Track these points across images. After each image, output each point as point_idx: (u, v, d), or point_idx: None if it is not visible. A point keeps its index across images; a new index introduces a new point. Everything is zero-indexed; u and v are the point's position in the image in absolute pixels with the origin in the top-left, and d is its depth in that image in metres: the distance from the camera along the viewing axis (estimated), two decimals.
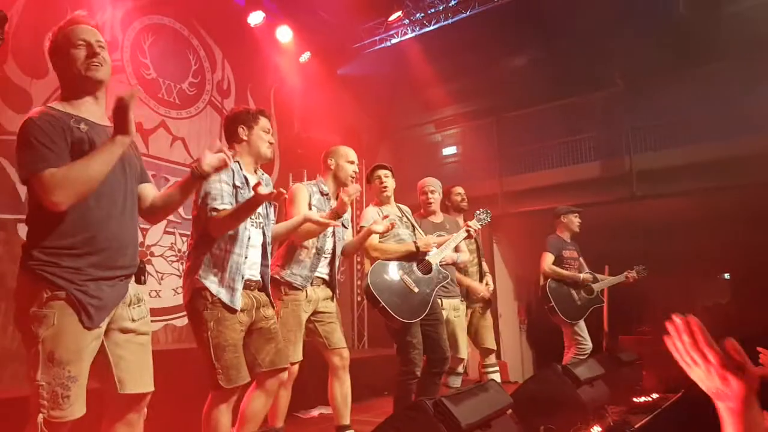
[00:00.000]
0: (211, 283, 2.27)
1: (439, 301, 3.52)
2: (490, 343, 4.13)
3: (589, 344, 4.53)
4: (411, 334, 3.13)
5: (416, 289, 3.19)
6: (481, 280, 4.13)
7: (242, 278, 2.33)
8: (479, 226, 3.59)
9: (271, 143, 2.57)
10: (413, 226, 3.49)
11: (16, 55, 4.44)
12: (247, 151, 2.52)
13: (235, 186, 2.38)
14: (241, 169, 2.45)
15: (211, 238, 2.31)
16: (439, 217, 3.92)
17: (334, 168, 3.11)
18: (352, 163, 3.13)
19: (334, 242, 3.08)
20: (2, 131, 4.36)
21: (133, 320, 1.80)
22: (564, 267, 4.64)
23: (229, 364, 2.22)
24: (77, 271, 1.65)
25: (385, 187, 3.46)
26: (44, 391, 1.59)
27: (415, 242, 3.27)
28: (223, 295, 2.26)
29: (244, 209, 2.24)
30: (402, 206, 3.57)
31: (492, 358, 4.16)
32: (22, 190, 4.39)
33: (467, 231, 3.50)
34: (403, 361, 3.15)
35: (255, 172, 2.56)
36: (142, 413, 1.85)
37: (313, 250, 2.96)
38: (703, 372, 0.93)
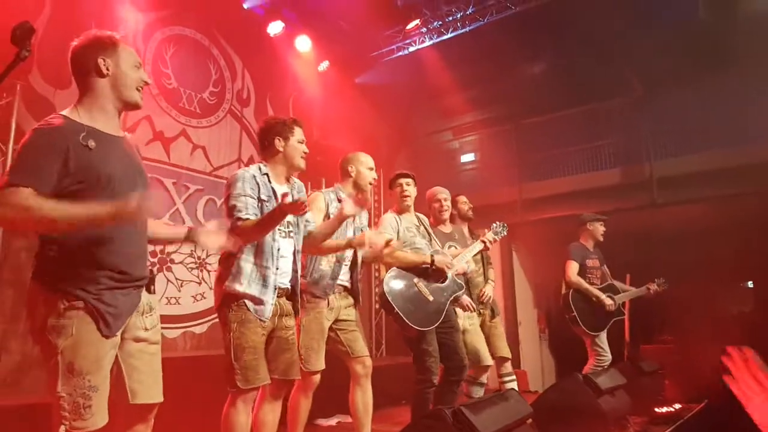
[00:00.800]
0: (237, 289, 2.32)
1: (454, 310, 3.51)
2: (504, 351, 4.06)
3: (608, 356, 4.46)
4: (426, 342, 3.11)
5: (431, 298, 3.18)
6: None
7: (274, 290, 2.38)
8: (496, 239, 3.57)
9: (305, 153, 2.58)
10: (430, 236, 3.47)
11: (40, 65, 4.55)
12: (282, 161, 2.54)
13: (260, 200, 2.41)
14: (269, 181, 2.48)
15: (242, 249, 2.34)
16: (448, 227, 3.93)
17: (354, 175, 3.13)
18: (371, 170, 3.16)
19: (354, 250, 3.09)
20: None
21: (146, 329, 1.82)
22: (587, 276, 4.58)
23: (248, 365, 2.26)
24: (92, 282, 1.65)
25: (407, 195, 3.45)
26: (65, 402, 1.59)
27: (432, 256, 3.24)
28: (249, 304, 2.32)
29: (268, 220, 2.28)
30: (420, 215, 3.56)
31: (508, 367, 4.10)
32: None
33: (483, 243, 3.48)
34: (419, 369, 3.12)
35: (288, 180, 2.59)
36: (149, 424, 1.85)
37: (333, 259, 2.98)
38: (760, 401, 0.92)
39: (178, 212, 5.46)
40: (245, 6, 6.30)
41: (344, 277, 3.05)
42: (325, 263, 2.96)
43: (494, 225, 3.62)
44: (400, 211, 3.47)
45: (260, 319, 2.34)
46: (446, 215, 3.88)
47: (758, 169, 6.21)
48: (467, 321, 3.79)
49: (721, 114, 6.74)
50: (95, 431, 1.62)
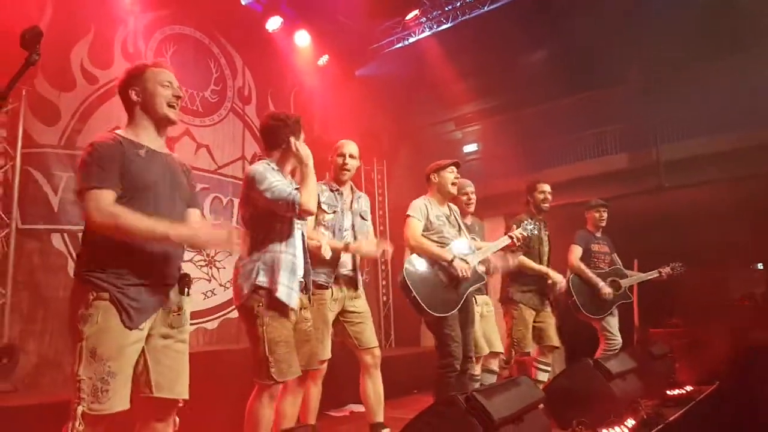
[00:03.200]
0: (270, 284, 2.36)
1: (473, 298, 3.53)
2: (555, 340, 4.06)
3: (618, 340, 4.44)
4: (450, 326, 3.12)
5: (450, 286, 3.19)
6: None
7: (297, 278, 2.44)
8: (524, 234, 3.55)
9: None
10: (459, 226, 3.47)
11: (43, 69, 4.57)
12: (295, 160, 2.54)
13: None
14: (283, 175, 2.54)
15: (268, 238, 2.40)
16: (469, 219, 3.95)
17: (332, 164, 3.20)
18: (341, 155, 3.16)
19: (355, 237, 3.11)
20: (33, 144, 4.50)
21: (172, 327, 1.92)
22: (592, 261, 4.56)
23: (282, 358, 2.31)
24: (119, 277, 1.80)
25: (454, 183, 3.43)
26: (85, 385, 1.71)
27: (454, 257, 3.21)
28: (282, 295, 2.35)
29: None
30: (452, 205, 3.55)
31: (549, 357, 4.10)
32: (56, 201, 4.52)
33: (510, 238, 3.49)
34: (442, 354, 3.13)
35: (293, 175, 2.65)
36: (170, 422, 1.92)
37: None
38: None
39: None
40: (243, 3, 6.29)
41: (347, 265, 3.07)
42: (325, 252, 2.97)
43: (525, 222, 3.63)
44: (439, 201, 3.43)
45: (291, 309, 2.39)
46: (472, 208, 3.92)
47: (765, 151, 6.17)
48: (484, 308, 3.83)
49: (727, 97, 6.71)
50: (110, 414, 1.72)
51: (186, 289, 1.98)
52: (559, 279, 4.12)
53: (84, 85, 4.89)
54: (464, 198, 3.87)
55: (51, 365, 4.19)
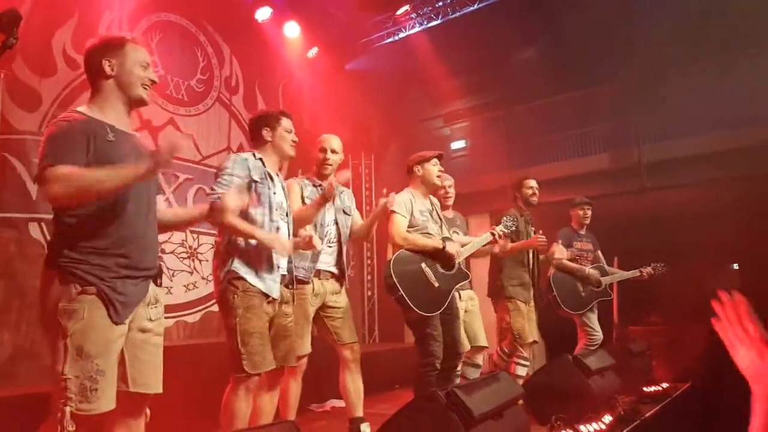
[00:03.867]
0: (247, 273, 2.35)
1: (457, 293, 3.53)
2: (535, 335, 4.10)
3: (598, 335, 4.51)
4: (431, 326, 3.09)
5: (437, 284, 3.16)
6: None
7: (278, 269, 2.44)
8: (505, 231, 3.56)
9: (294, 141, 2.65)
10: (441, 221, 3.44)
11: (24, 53, 4.47)
12: (272, 150, 2.60)
13: (254, 180, 2.45)
14: (263, 165, 2.53)
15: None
16: (451, 212, 3.95)
17: (315, 159, 3.20)
18: (323, 150, 3.16)
19: (338, 231, 3.10)
20: (12, 131, 4.41)
21: (151, 320, 1.87)
22: (575, 258, 4.61)
23: (255, 350, 2.28)
24: (105, 269, 1.72)
25: (439, 176, 3.41)
26: (72, 384, 1.62)
27: (443, 243, 3.20)
28: (262, 286, 2.36)
29: (255, 235, 2.33)
30: (433, 199, 3.51)
31: (528, 351, 4.11)
32: (33, 189, 4.44)
33: (492, 235, 3.48)
34: (422, 353, 3.10)
35: (280, 170, 2.66)
36: (143, 416, 1.88)
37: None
38: (744, 349, 0.93)
39: (167, 202, 5.43)
40: None
41: (329, 261, 3.06)
42: None
43: (504, 218, 3.63)
44: (422, 194, 3.41)
45: (268, 299, 2.38)
46: (451, 201, 3.92)
47: (744, 153, 6.29)
48: (469, 302, 3.84)
49: (708, 99, 6.80)
50: (100, 414, 1.66)
51: (159, 280, 1.92)
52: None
53: (66, 70, 4.80)
54: (441, 192, 3.84)
55: (27, 356, 4.13)
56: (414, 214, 3.26)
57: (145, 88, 1.89)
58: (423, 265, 3.17)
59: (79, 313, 1.66)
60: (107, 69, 1.83)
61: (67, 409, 1.61)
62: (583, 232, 4.76)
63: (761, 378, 0.92)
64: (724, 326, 0.96)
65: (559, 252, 4.50)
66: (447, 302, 3.16)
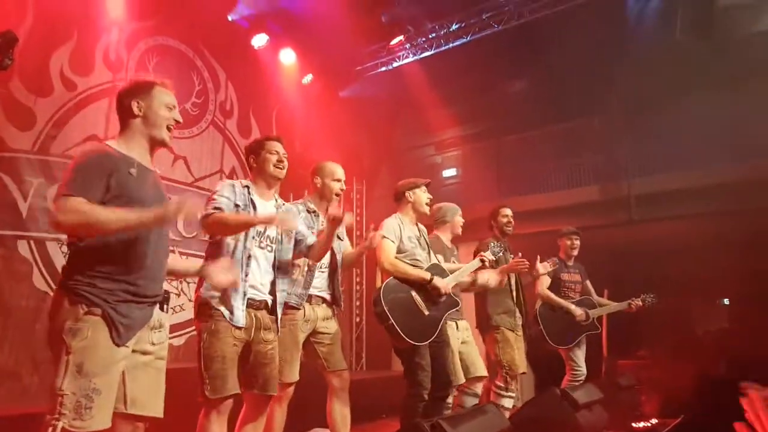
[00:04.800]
0: (212, 298, 2.37)
1: (454, 323, 3.52)
2: (524, 366, 4.02)
3: (582, 371, 4.46)
4: (420, 355, 3.06)
5: (427, 312, 3.14)
6: None
7: (243, 295, 2.40)
8: (492, 258, 3.56)
9: (279, 161, 2.64)
10: (429, 248, 3.44)
11: (21, 73, 4.50)
12: (259, 176, 2.64)
13: (236, 205, 2.47)
14: (249, 193, 2.55)
15: (213, 256, 2.42)
16: (450, 243, 3.95)
17: (320, 186, 3.12)
18: (338, 181, 3.14)
19: (332, 256, 3.08)
20: (5, 148, 4.41)
21: (153, 344, 1.93)
22: (562, 290, 4.59)
23: (216, 374, 2.29)
24: (111, 293, 1.79)
25: (428, 204, 3.47)
26: (68, 400, 1.66)
27: (432, 276, 3.19)
28: (224, 310, 2.36)
29: (241, 222, 2.40)
30: (421, 226, 3.51)
31: (513, 383, 4.03)
32: (24, 207, 4.42)
33: (481, 261, 3.47)
34: (411, 383, 3.06)
35: (275, 200, 2.68)
36: None
37: (305, 267, 2.95)
38: None
39: None
40: (230, 18, 6.32)
41: (321, 286, 3.03)
42: (298, 273, 2.91)
43: (492, 245, 3.63)
44: (411, 220, 3.42)
45: (234, 326, 2.36)
46: (459, 231, 3.95)
47: (733, 188, 6.37)
48: (465, 333, 3.79)
49: (697, 134, 6.92)
50: None
51: (165, 306, 2.00)
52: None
53: (62, 91, 4.83)
54: (462, 224, 3.94)
55: (9, 376, 4.05)
56: (402, 240, 3.26)
57: (168, 129, 2.01)
58: (413, 292, 3.16)
59: (83, 333, 1.72)
60: (135, 109, 1.97)
61: (59, 424, 1.63)
62: (570, 263, 4.74)
63: None
64: (753, 418, 0.96)
65: (544, 283, 4.51)
66: (437, 331, 3.14)
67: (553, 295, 4.52)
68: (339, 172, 3.16)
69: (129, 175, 1.87)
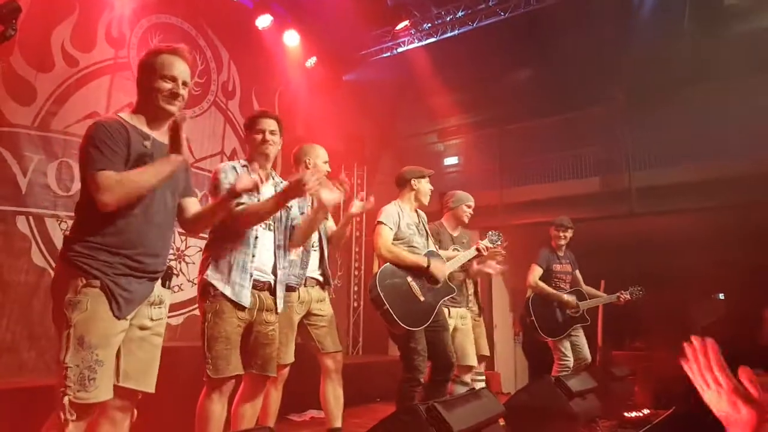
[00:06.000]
0: (218, 280, 2.37)
1: (446, 310, 3.53)
2: (484, 349, 4.08)
3: (570, 361, 4.49)
4: (415, 340, 3.09)
5: (422, 298, 3.16)
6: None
7: (250, 276, 2.41)
8: (490, 246, 3.59)
9: (266, 140, 2.60)
10: (427, 234, 3.48)
11: (22, 47, 4.46)
12: (253, 153, 2.63)
13: None
14: (249, 173, 2.50)
15: (222, 238, 2.42)
16: (457, 230, 3.96)
17: (311, 167, 3.09)
18: (326, 163, 3.14)
19: (320, 236, 3.08)
20: (5, 123, 4.37)
21: (152, 319, 1.92)
22: (553, 280, 4.60)
23: (219, 354, 2.29)
24: (110, 266, 1.79)
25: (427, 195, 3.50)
26: (72, 373, 1.68)
27: (429, 261, 3.22)
28: (228, 291, 2.35)
29: (269, 207, 2.36)
30: (421, 213, 3.54)
31: (481, 366, 4.14)
32: (24, 183, 4.41)
33: (478, 250, 3.51)
34: (406, 367, 3.09)
35: (271, 177, 2.64)
36: (129, 414, 1.89)
37: (300, 248, 2.95)
38: (714, 395, 0.93)
39: None
40: None
41: (313, 266, 3.03)
42: (294, 253, 2.91)
43: (490, 233, 3.66)
44: (412, 206, 3.45)
45: (239, 307, 2.36)
46: (467, 220, 3.95)
47: (734, 183, 6.37)
48: (459, 321, 3.80)
49: (700, 128, 6.90)
50: (97, 403, 1.71)
51: (167, 282, 1.99)
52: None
53: (63, 66, 4.78)
54: (469, 211, 3.93)
55: (8, 351, 4.06)
56: (401, 226, 3.27)
57: (166, 98, 1.94)
58: (409, 278, 3.18)
59: (83, 305, 1.72)
60: (145, 81, 1.94)
61: (66, 398, 1.66)
62: (561, 253, 4.74)
63: (735, 424, 0.92)
64: (694, 370, 0.96)
65: (536, 273, 4.54)
66: (433, 316, 3.16)
67: (545, 286, 4.54)
68: (325, 154, 3.17)
69: (143, 147, 1.87)
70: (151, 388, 1.91)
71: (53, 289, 1.80)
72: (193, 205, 2.14)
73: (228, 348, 2.32)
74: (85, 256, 1.77)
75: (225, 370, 2.29)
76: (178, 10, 5.84)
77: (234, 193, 2.10)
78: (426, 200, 3.48)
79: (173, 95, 1.94)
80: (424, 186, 3.45)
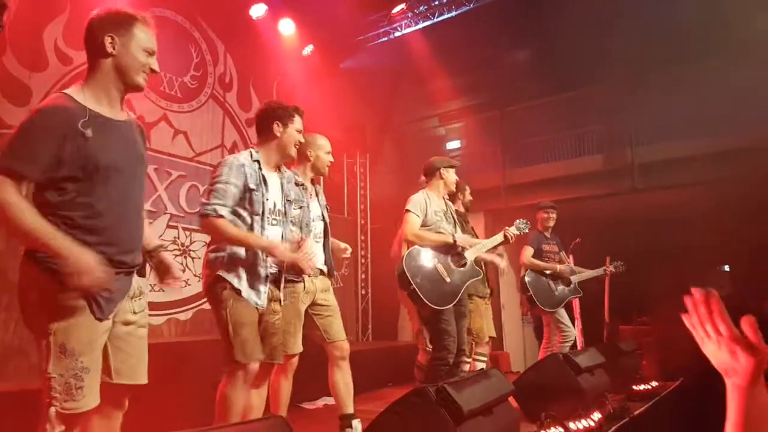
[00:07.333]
0: (233, 278, 2.33)
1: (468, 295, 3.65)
2: (492, 331, 4.32)
3: (572, 330, 4.70)
4: (445, 321, 3.21)
5: (448, 279, 3.28)
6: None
7: (265, 278, 2.41)
8: (517, 233, 3.71)
9: (300, 142, 2.58)
10: (455, 222, 3.60)
11: (14, 47, 4.43)
12: (276, 148, 2.52)
13: (249, 189, 2.39)
14: (259, 168, 2.45)
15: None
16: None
17: (313, 159, 3.08)
18: (329, 153, 3.13)
19: (325, 226, 3.10)
20: (2, 125, 4.36)
21: (135, 312, 1.82)
22: (543, 260, 4.80)
23: (247, 339, 2.28)
24: None
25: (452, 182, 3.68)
26: (56, 383, 1.57)
27: (453, 235, 3.38)
28: (245, 293, 2.34)
29: (246, 242, 2.33)
30: (448, 202, 3.69)
31: (486, 348, 4.31)
32: (24, 185, 4.41)
33: (505, 236, 3.62)
34: (437, 347, 3.23)
35: (279, 169, 2.59)
36: (122, 407, 1.84)
37: (308, 240, 2.97)
38: (714, 345, 0.93)
39: (160, 199, 5.41)
40: None
41: (319, 257, 3.04)
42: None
43: (518, 221, 3.79)
44: (439, 194, 3.60)
45: (256, 305, 2.37)
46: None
47: (736, 155, 6.33)
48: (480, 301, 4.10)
49: (701, 101, 6.84)
50: (86, 412, 1.62)
51: (143, 270, 1.87)
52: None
53: (57, 65, 4.76)
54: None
55: (16, 353, 4.09)
56: (428, 213, 3.41)
57: (144, 74, 1.74)
58: (436, 261, 3.31)
59: (61, 312, 1.59)
60: (108, 47, 1.68)
61: (52, 409, 1.56)
62: (548, 234, 4.96)
63: (734, 373, 0.93)
64: (694, 322, 0.97)
65: (528, 252, 4.76)
66: (458, 298, 3.27)
67: (539, 261, 4.77)
68: (329, 144, 3.16)
69: (83, 138, 1.60)
70: (143, 380, 1.82)
71: (22, 292, 1.64)
72: None
73: (254, 333, 2.33)
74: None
75: (252, 354, 2.29)
76: (170, 2, 5.79)
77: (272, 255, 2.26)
78: (453, 188, 3.65)
79: (151, 71, 1.76)
80: (452, 174, 3.61)
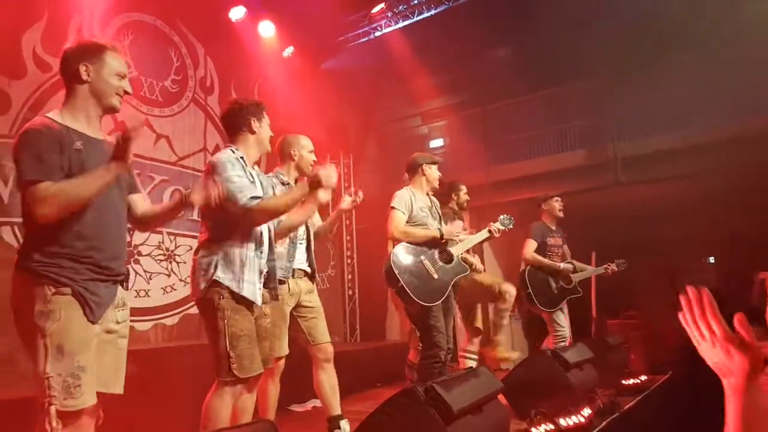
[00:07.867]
0: (230, 280, 2.27)
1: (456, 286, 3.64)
2: (478, 321, 4.31)
3: (566, 332, 4.57)
4: (433, 317, 3.20)
5: (436, 276, 3.27)
6: None
7: (261, 274, 2.39)
8: (501, 229, 3.68)
9: (271, 136, 2.60)
10: (440, 218, 3.60)
11: None
12: (255, 143, 2.51)
13: (250, 182, 2.39)
14: (245, 165, 2.43)
15: (227, 234, 2.31)
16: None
17: (297, 159, 3.09)
18: (311, 152, 3.14)
19: (307, 228, 3.08)
20: None
21: (118, 322, 1.90)
22: (547, 254, 4.63)
23: (245, 353, 2.22)
24: (77, 272, 1.76)
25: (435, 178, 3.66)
26: (55, 382, 1.65)
27: (439, 230, 3.38)
28: (244, 291, 2.28)
29: (296, 197, 2.38)
30: (433, 198, 3.67)
31: (476, 345, 4.31)
32: (6, 193, 4.34)
33: (490, 232, 3.60)
34: (426, 344, 3.21)
35: (255, 166, 2.58)
36: (95, 415, 1.83)
37: (287, 240, 2.95)
38: (708, 345, 0.94)
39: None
40: None
41: (302, 259, 3.04)
42: (280, 245, 2.89)
43: (502, 217, 3.75)
44: (423, 191, 3.59)
45: (251, 303, 2.31)
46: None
47: (718, 147, 6.41)
48: None
49: (681, 95, 6.92)
50: (84, 410, 1.70)
51: (125, 284, 1.96)
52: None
53: (36, 72, 4.69)
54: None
55: (4, 362, 4.02)
56: (413, 210, 3.40)
57: (118, 95, 1.90)
58: (422, 258, 3.30)
59: (56, 314, 1.69)
60: (83, 75, 1.84)
61: (52, 408, 1.63)
62: (554, 227, 4.78)
63: (730, 373, 0.93)
64: (689, 321, 0.97)
65: (530, 247, 4.59)
66: (445, 294, 3.26)
67: (542, 258, 4.58)
68: (310, 143, 3.17)
69: (74, 150, 1.77)
70: (119, 390, 1.88)
71: (15, 301, 1.75)
72: (140, 202, 2.08)
73: (251, 346, 2.25)
74: (49, 265, 1.72)
75: (250, 369, 2.23)
76: (149, 7, 5.73)
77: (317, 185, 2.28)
78: (435, 185, 3.62)
79: (125, 93, 1.92)
80: (434, 170, 3.59)
